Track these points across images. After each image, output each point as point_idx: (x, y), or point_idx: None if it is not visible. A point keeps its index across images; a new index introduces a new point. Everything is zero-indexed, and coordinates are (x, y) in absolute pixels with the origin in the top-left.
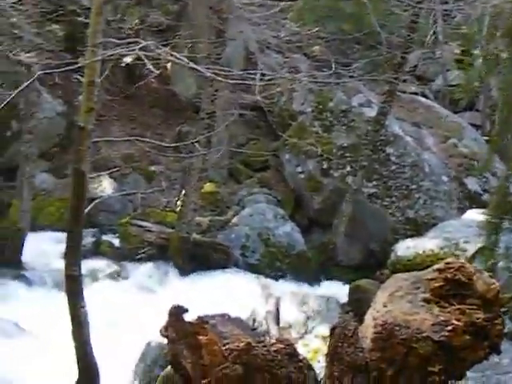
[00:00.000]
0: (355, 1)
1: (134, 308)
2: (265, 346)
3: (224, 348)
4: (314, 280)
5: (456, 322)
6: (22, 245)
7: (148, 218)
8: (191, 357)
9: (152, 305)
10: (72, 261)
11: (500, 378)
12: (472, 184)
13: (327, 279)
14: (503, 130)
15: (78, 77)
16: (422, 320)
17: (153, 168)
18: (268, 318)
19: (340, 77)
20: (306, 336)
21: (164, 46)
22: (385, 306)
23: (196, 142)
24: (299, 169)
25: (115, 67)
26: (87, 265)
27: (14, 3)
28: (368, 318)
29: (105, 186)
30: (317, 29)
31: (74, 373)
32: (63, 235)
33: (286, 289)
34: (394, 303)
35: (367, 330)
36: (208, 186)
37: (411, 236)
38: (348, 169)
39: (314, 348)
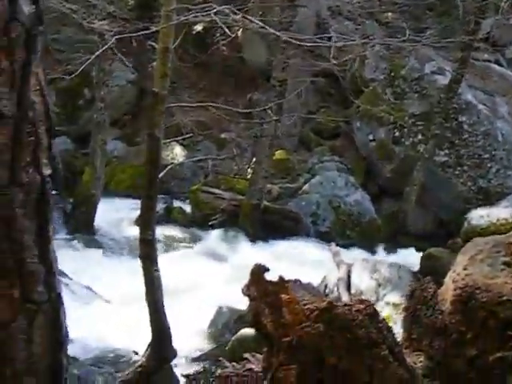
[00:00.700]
0: None
1: (204, 274)
2: (346, 306)
3: (305, 307)
4: (383, 248)
5: None
6: (95, 211)
7: (219, 185)
8: (272, 315)
9: (222, 271)
10: (147, 225)
11: None
12: None
13: (397, 248)
14: None
15: (152, 43)
16: (502, 283)
17: (223, 136)
18: (339, 285)
19: (413, 43)
20: (377, 303)
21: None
22: (465, 269)
23: (268, 109)
24: (370, 136)
25: (186, 35)
26: (158, 231)
27: None
28: (448, 280)
29: (176, 153)
30: None
31: (147, 335)
32: (135, 202)
33: (356, 257)
34: (475, 266)
35: (447, 292)
36: (279, 154)
37: (482, 206)
38: (420, 137)
39: (385, 315)
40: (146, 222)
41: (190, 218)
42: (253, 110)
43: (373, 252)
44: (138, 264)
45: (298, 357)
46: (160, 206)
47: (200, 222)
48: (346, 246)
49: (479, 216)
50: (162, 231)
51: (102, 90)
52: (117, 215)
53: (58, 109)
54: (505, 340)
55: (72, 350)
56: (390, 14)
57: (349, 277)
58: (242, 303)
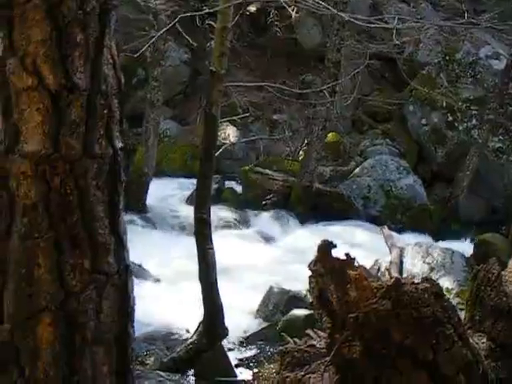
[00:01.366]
0: None
1: (255, 254)
2: (413, 284)
3: (372, 284)
4: (434, 234)
5: None
6: (147, 190)
7: (271, 167)
8: (338, 292)
9: (273, 252)
10: (202, 204)
11: None
12: None
13: (448, 233)
14: None
15: (211, 22)
16: None
17: (276, 117)
18: (391, 268)
19: (471, 26)
20: None
21: None
22: None
23: (321, 90)
24: (423, 121)
25: (241, 16)
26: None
27: None
28: None
29: (228, 134)
30: None
31: (198, 313)
32: (186, 181)
33: (407, 241)
34: None
35: (511, 274)
36: (331, 136)
37: None
38: (473, 122)
39: None
40: (201, 200)
41: (241, 198)
42: (308, 90)
43: (423, 237)
44: (188, 242)
45: (363, 333)
46: (212, 186)
47: (251, 202)
48: (396, 231)
49: None
50: (212, 211)
51: (156, 69)
52: (168, 194)
53: None
54: None
55: None
56: None
57: (401, 261)
58: (293, 284)
